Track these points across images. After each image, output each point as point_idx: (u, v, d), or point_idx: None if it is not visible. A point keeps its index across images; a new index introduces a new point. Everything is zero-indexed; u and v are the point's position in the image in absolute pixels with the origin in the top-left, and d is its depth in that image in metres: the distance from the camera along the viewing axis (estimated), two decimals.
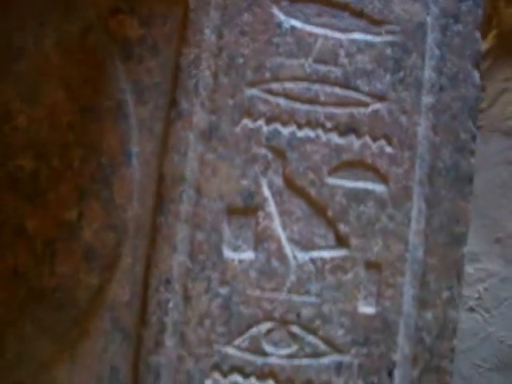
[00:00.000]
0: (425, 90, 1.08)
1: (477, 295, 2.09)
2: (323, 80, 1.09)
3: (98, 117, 1.11)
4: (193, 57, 1.09)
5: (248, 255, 1.06)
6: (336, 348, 1.05)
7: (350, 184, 1.06)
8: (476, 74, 1.09)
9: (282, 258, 1.06)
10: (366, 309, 1.05)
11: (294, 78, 1.09)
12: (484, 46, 2.06)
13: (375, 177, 1.07)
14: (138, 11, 1.10)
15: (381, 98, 1.08)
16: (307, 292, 1.06)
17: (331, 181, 1.07)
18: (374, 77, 1.09)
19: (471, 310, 2.09)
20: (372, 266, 1.06)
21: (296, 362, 1.05)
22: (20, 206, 1.10)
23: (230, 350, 1.05)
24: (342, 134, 1.07)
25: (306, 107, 1.08)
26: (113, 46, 1.11)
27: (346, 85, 1.09)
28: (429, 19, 1.08)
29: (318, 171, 1.07)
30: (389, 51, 1.09)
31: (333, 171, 1.07)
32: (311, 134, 1.08)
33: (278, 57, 1.09)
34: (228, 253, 1.06)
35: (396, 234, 1.06)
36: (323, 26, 1.08)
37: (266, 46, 1.09)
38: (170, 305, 1.06)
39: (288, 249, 1.07)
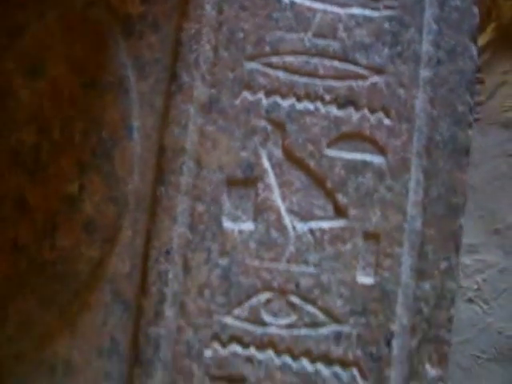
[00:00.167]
0: (422, 63, 1.08)
1: (475, 286, 2.09)
2: (322, 54, 1.07)
3: (99, 92, 1.11)
4: (193, 32, 1.10)
5: (247, 226, 1.03)
6: (335, 318, 1.02)
7: (348, 156, 1.04)
8: (473, 48, 1.08)
9: (282, 228, 1.03)
10: (365, 279, 1.02)
11: (294, 52, 1.08)
12: (483, 39, 2.07)
13: (374, 148, 1.04)
14: None
15: (379, 71, 1.05)
16: (306, 262, 1.03)
17: (330, 152, 1.04)
18: (372, 51, 1.08)
19: (470, 301, 2.08)
20: (370, 236, 1.03)
21: (295, 331, 1.02)
22: (21, 180, 1.09)
23: (230, 320, 1.02)
24: (341, 106, 1.04)
25: (305, 80, 1.05)
26: (114, 22, 1.11)
27: (344, 58, 1.05)
28: None
29: (317, 143, 1.04)
30: (387, 25, 1.06)
31: (332, 143, 1.04)
32: (310, 106, 1.06)
33: (278, 31, 1.06)
34: (228, 224, 1.03)
35: (394, 205, 1.02)
36: (322, 0, 1.09)
37: (266, 20, 1.06)
38: (170, 275, 1.03)
39: (287, 219, 1.03)
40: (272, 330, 1.02)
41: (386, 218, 1.02)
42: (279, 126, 1.04)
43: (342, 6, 1.05)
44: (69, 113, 1.08)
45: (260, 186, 1.03)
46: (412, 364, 1.02)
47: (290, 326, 1.02)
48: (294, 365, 1.02)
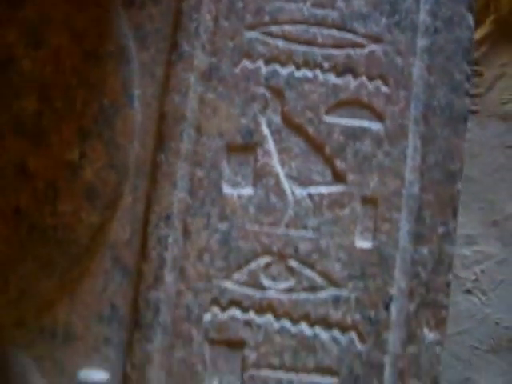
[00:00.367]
0: (420, 32, 1.09)
1: (474, 277, 2.10)
2: (321, 23, 1.08)
3: (100, 61, 1.12)
4: (194, 2, 1.09)
5: (247, 191, 1.04)
6: (333, 282, 1.02)
7: (346, 122, 1.04)
8: (470, 18, 1.09)
9: (281, 193, 1.04)
10: (363, 243, 1.03)
11: (293, 21, 1.09)
12: (481, 32, 2.10)
13: (372, 115, 1.04)
14: None
15: (377, 39, 1.05)
16: (305, 227, 1.04)
17: (328, 119, 1.04)
18: (370, 20, 1.10)
19: (468, 292, 2.09)
20: (368, 201, 1.03)
21: (294, 295, 1.02)
22: (23, 147, 1.10)
23: (229, 285, 1.03)
24: (339, 74, 1.05)
25: (303, 49, 1.05)
26: None
27: (342, 27, 1.05)
28: None
29: (315, 110, 1.04)
30: None
31: (330, 110, 1.04)
32: (309, 74, 1.05)
33: (277, 1, 1.06)
34: (227, 189, 1.04)
35: (392, 171, 1.03)
36: None
37: None
38: (170, 240, 1.03)
39: (286, 185, 1.03)
40: (271, 294, 1.03)
41: (383, 183, 1.03)
42: (278, 93, 1.05)
43: None
44: (70, 81, 1.09)
45: (259, 151, 1.04)
46: (410, 328, 1.03)
47: (288, 290, 1.03)
48: (293, 328, 1.03)
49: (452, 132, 1.04)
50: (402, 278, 1.02)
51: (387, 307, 1.02)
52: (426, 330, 1.02)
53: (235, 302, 1.02)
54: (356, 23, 1.06)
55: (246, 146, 1.04)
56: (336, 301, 1.02)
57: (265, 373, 1.02)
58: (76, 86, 1.09)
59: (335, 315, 1.02)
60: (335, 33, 1.06)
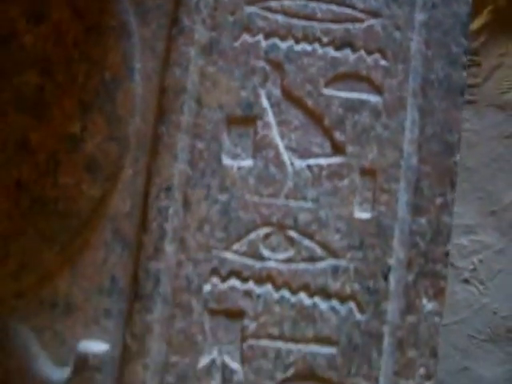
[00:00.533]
0: (417, 7, 1.10)
1: (472, 267, 2.10)
2: None
3: (102, 35, 1.13)
4: None
5: (247, 163, 1.04)
6: (332, 252, 1.03)
7: (345, 95, 1.05)
8: None
9: (280, 165, 1.04)
10: (362, 214, 1.03)
11: None
12: (479, 22, 2.11)
13: (370, 88, 1.05)
14: None
15: (375, 14, 1.06)
16: (304, 198, 1.04)
17: (327, 92, 1.05)
18: None
19: (466, 281, 2.10)
20: (367, 172, 1.04)
21: (293, 266, 1.03)
22: (24, 120, 1.10)
23: (229, 255, 1.03)
24: (338, 47, 1.05)
25: (303, 23, 1.05)
26: None
27: (341, 2, 1.05)
28: None
29: (314, 83, 1.05)
30: None
31: (329, 83, 1.05)
32: (308, 47, 1.05)
33: None
34: (227, 160, 1.04)
35: (390, 142, 1.03)
36: None
37: None
38: (170, 211, 1.04)
39: (286, 156, 1.04)
40: (270, 264, 1.03)
41: (382, 154, 1.04)
42: (278, 66, 1.06)
43: None
44: (72, 56, 1.09)
45: (259, 124, 1.05)
46: (409, 298, 1.03)
47: (288, 261, 1.03)
48: (292, 298, 1.03)
49: (450, 104, 1.05)
50: (401, 248, 1.03)
51: (386, 277, 1.02)
52: (424, 300, 1.03)
53: (235, 273, 1.03)
54: None
55: (245, 119, 1.05)
56: (335, 271, 1.03)
57: (264, 343, 1.03)
58: (77, 61, 1.10)
59: (334, 285, 1.03)
60: (334, 7, 1.07)
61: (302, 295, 1.02)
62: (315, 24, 1.06)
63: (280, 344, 1.02)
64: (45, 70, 1.09)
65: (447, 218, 1.03)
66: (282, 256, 1.02)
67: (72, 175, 1.06)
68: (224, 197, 1.03)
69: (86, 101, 1.08)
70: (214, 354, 1.02)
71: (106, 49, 1.08)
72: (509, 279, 2.09)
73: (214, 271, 1.02)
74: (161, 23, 1.09)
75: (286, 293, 1.02)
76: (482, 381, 2.06)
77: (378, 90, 1.04)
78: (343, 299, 1.02)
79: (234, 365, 1.02)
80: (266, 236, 1.03)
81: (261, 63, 1.05)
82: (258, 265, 1.02)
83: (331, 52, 1.05)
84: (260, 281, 1.02)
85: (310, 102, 1.04)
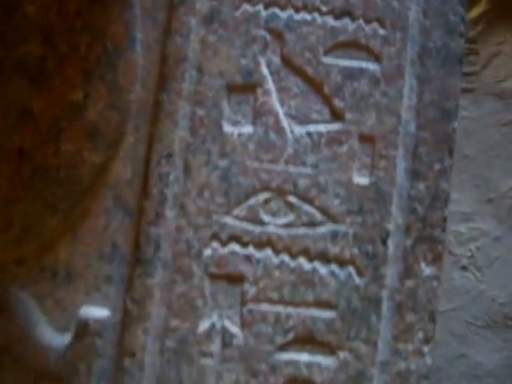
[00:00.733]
0: None
1: (469, 254, 2.11)
2: None
3: (104, 6, 1.13)
4: None
5: (247, 129, 1.05)
6: (332, 217, 1.03)
7: (344, 63, 1.05)
8: None
9: (280, 131, 1.05)
10: (361, 179, 1.04)
11: None
12: (477, 10, 2.12)
13: (369, 56, 1.06)
14: None
15: None
16: (303, 163, 1.04)
17: (327, 60, 1.06)
18: None
19: (463, 268, 2.10)
20: (366, 138, 1.04)
21: (293, 230, 1.04)
22: (27, 89, 1.11)
23: (229, 220, 1.04)
24: (337, 16, 1.06)
25: None
26: None
27: None
28: None
29: (314, 51, 1.05)
30: None
31: (328, 51, 1.06)
32: (307, 17, 1.07)
33: None
34: (227, 127, 1.05)
35: (389, 109, 1.04)
36: None
37: None
38: (171, 178, 1.04)
39: (285, 123, 1.04)
40: (270, 229, 1.04)
41: (381, 121, 1.05)
42: (278, 35, 1.07)
43: None
44: (74, 26, 1.10)
45: (259, 91, 1.06)
46: (407, 262, 1.04)
47: (288, 225, 1.04)
48: (292, 263, 1.04)
49: (447, 72, 1.06)
50: (399, 213, 1.03)
51: (384, 242, 1.03)
52: (422, 265, 1.03)
53: (235, 237, 1.03)
54: None
55: (245, 86, 1.05)
56: (334, 236, 1.03)
57: (264, 307, 1.03)
58: (79, 31, 1.10)
59: (333, 250, 1.03)
60: None
61: (302, 260, 1.03)
62: None
63: (280, 308, 1.02)
64: (47, 40, 1.09)
65: (445, 184, 1.03)
66: (281, 221, 1.03)
67: (74, 143, 1.06)
68: (224, 163, 1.04)
69: (87, 70, 1.08)
70: (214, 318, 1.03)
71: (108, 19, 1.09)
72: (506, 266, 2.09)
73: (214, 236, 1.03)
74: None
75: (285, 257, 1.03)
76: (480, 367, 2.06)
77: (376, 58, 1.05)
78: (342, 263, 1.03)
79: (234, 329, 1.02)
80: (266, 201, 1.03)
81: (261, 32, 1.06)
82: (257, 230, 1.03)
83: (330, 21, 1.06)
84: (260, 245, 1.02)
85: (309, 70, 1.05)
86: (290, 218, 1.03)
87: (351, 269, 1.03)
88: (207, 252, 1.03)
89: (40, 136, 1.07)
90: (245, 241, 1.03)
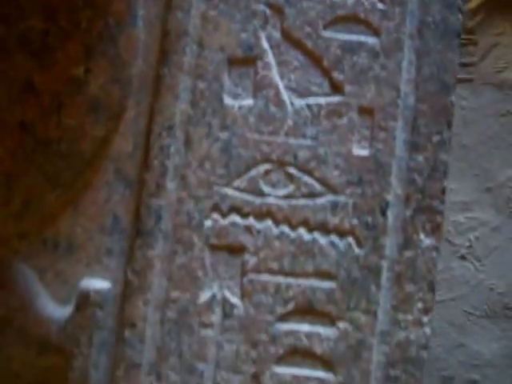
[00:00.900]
0: None
1: (468, 244, 2.11)
2: None
3: None
4: None
5: (247, 102, 1.05)
6: (331, 188, 1.04)
7: (344, 37, 1.06)
8: None
9: (280, 104, 1.05)
10: (360, 151, 1.04)
11: None
12: (476, 1, 2.14)
13: (368, 30, 1.06)
14: None
15: None
16: (303, 135, 1.05)
17: (326, 34, 1.06)
18: None
19: (462, 258, 2.10)
20: (365, 110, 1.05)
21: (293, 201, 1.04)
22: (29, 64, 1.12)
23: (229, 191, 1.04)
24: None
25: None
26: None
27: None
28: None
29: (314, 25, 1.06)
30: None
31: (328, 25, 1.06)
32: None
33: None
34: (228, 100, 1.05)
35: (388, 82, 1.05)
36: None
37: None
38: (172, 150, 1.04)
39: (285, 96, 1.05)
40: (271, 200, 1.04)
41: (380, 94, 1.06)
42: (278, 10, 1.08)
43: None
44: (76, 2, 1.11)
45: (259, 64, 1.07)
46: (406, 233, 1.04)
47: (288, 197, 1.04)
48: (292, 234, 1.04)
49: (446, 46, 1.07)
50: (399, 184, 1.04)
51: (384, 212, 1.03)
52: (422, 235, 1.04)
53: (235, 208, 1.04)
54: None
55: (246, 59, 1.06)
56: (334, 206, 1.04)
57: (264, 277, 1.03)
58: (81, 7, 1.11)
59: (333, 220, 1.04)
60: None
61: (302, 230, 1.03)
62: None
63: (280, 279, 1.03)
64: (49, 16, 1.10)
65: (444, 156, 1.04)
66: (281, 192, 1.03)
67: (75, 116, 1.07)
68: (225, 135, 1.04)
69: (89, 45, 1.09)
70: (215, 288, 1.03)
71: None
72: (505, 256, 2.10)
73: (215, 207, 1.03)
74: None
75: (285, 228, 1.03)
76: (478, 357, 2.06)
77: (375, 32, 1.06)
78: (342, 234, 1.03)
79: (235, 299, 1.03)
80: (266, 172, 1.04)
81: (261, 7, 1.07)
82: (258, 201, 1.03)
83: None
84: (260, 216, 1.03)
85: (309, 44, 1.06)
86: (290, 189, 1.03)
87: (351, 239, 1.03)
88: (208, 223, 1.03)
89: (42, 110, 1.08)
90: (245, 212, 1.03)
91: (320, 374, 1.02)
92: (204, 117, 1.05)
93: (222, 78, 1.06)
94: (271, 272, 1.03)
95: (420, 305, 1.02)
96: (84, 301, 1.05)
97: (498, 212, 2.06)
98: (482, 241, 2.08)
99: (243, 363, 1.01)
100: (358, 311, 1.02)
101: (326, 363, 1.02)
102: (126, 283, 1.03)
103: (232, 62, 1.06)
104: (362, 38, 1.07)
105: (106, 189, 1.08)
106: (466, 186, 2.05)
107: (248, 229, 1.03)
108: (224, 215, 1.03)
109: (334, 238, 1.03)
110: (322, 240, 1.03)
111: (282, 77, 1.06)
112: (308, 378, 1.01)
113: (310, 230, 1.03)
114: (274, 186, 1.03)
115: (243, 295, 1.02)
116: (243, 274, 1.02)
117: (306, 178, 1.03)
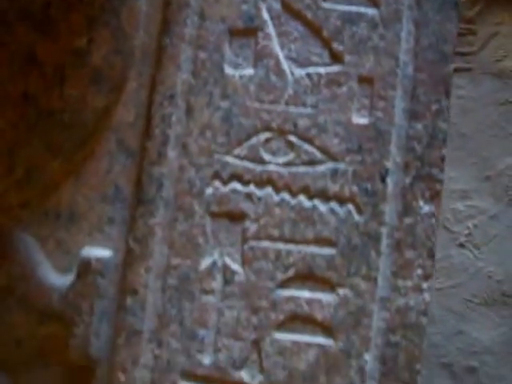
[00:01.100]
0: None
1: (467, 231, 2.12)
2: None
3: None
4: None
5: (248, 71, 1.06)
6: (331, 156, 1.04)
7: (343, 8, 1.07)
8: None
9: (280, 73, 1.06)
10: (360, 119, 1.05)
11: None
12: None
13: (367, 1, 1.07)
14: None
15: None
16: (304, 104, 1.06)
17: (326, 5, 1.07)
18: None
19: (461, 245, 2.11)
20: (365, 80, 1.06)
21: (293, 169, 1.05)
22: (32, 35, 1.13)
23: (230, 159, 1.05)
24: None
25: None
26: None
27: None
28: None
29: None
30: None
31: None
32: None
33: None
34: (229, 70, 1.06)
35: (387, 52, 1.05)
36: None
37: None
38: (173, 118, 1.05)
39: (285, 65, 1.06)
40: (271, 167, 1.05)
41: (379, 63, 1.07)
42: None
43: None
44: None
45: (260, 35, 1.08)
46: (406, 200, 1.05)
47: (288, 164, 1.05)
48: (292, 201, 1.05)
49: (444, 17, 1.08)
50: (398, 152, 1.05)
51: (383, 180, 1.04)
52: (421, 202, 1.04)
53: (236, 176, 1.04)
54: None
55: (246, 30, 1.07)
56: (334, 174, 1.04)
57: (264, 244, 1.04)
58: None
59: (333, 188, 1.04)
60: None
61: (302, 197, 1.04)
62: None
63: (280, 245, 1.03)
64: None
65: (443, 124, 1.05)
66: (282, 160, 1.04)
67: (78, 87, 1.08)
68: (226, 103, 1.05)
69: (91, 16, 1.10)
70: (215, 255, 1.04)
71: None
72: (503, 244, 2.10)
73: (216, 175, 1.04)
74: None
75: (286, 195, 1.04)
76: (477, 344, 2.06)
77: (374, 3, 1.07)
78: (342, 201, 1.04)
79: (235, 266, 1.03)
80: (267, 140, 1.04)
81: None
82: (258, 168, 1.04)
83: None
84: (261, 184, 1.04)
85: (309, 15, 1.07)
86: (291, 156, 1.04)
87: (351, 206, 1.04)
88: (209, 191, 1.04)
89: (44, 81, 1.08)
90: (246, 179, 1.04)
91: (320, 340, 1.02)
92: (205, 86, 1.05)
93: (223, 48, 1.07)
94: (272, 239, 1.03)
95: (419, 271, 1.03)
96: (85, 269, 1.05)
97: (496, 200, 2.07)
98: (481, 229, 2.08)
99: (244, 329, 1.02)
100: (358, 277, 1.03)
101: (326, 329, 1.02)
102: (127, 251, 1.04)
103: (233, 33, 1.07)
104: (362, 9, 1.08)
105: (108, 158, 1.09)
106: (465, 175, 2.06)
107: (249, 196, 1.04)
108: (225, 183, 1.04)
109: (333, 205, 1.04)
110: (322, 207, 1.03)
111: (282, 47, 1.07)
112: (308, 344, 1.02)
113: (310, 197, 1.04)
114: (274, 153, 1.04)
115: (244, 262, 1.03)
116: (244, 240, 1.03)
117: (306, 146, 1.04)
